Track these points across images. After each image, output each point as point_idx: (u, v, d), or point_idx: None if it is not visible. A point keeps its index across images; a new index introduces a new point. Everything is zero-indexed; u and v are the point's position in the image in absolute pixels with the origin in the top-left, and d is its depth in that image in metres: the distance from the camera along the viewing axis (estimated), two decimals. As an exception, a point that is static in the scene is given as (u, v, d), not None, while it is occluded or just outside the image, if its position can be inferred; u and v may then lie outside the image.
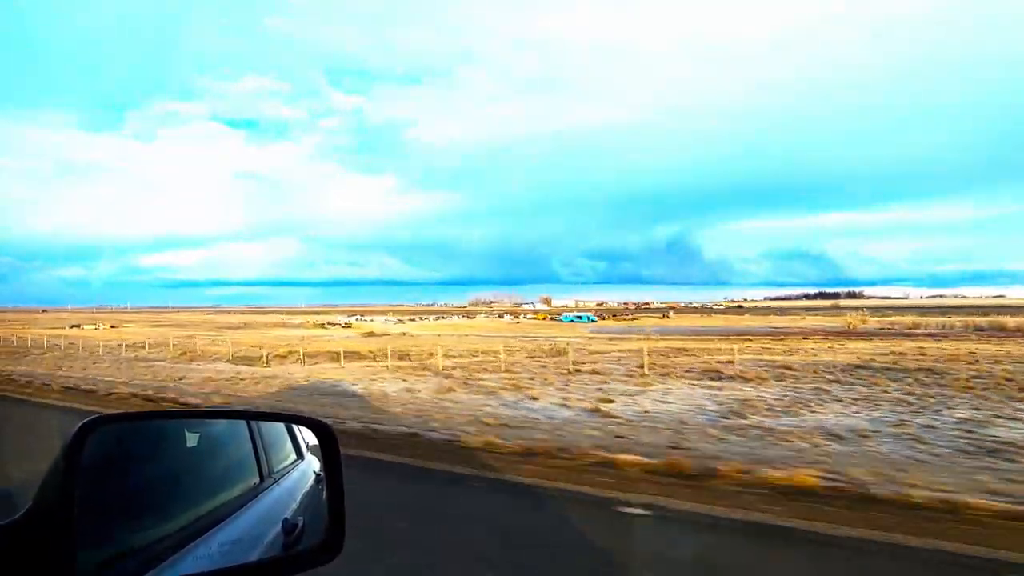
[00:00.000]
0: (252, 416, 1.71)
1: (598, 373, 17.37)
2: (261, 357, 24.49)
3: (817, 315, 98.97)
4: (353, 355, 24.19)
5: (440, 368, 19.03)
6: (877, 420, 9.71)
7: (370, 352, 25.92)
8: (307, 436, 1.75)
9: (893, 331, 49.59)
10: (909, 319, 67.66)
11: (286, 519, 1.48)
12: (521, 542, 4.36)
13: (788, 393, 12.98)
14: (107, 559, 1.00)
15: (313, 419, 1.59)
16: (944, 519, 4.74)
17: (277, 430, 1.78)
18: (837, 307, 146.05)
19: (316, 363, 22.47)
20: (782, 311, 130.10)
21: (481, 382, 15.17)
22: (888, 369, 17.80)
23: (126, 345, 32.79)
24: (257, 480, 1.54)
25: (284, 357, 24.95)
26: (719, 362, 19.62)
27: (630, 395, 12.73)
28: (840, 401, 11.84)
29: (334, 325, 75.01)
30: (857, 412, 10.55)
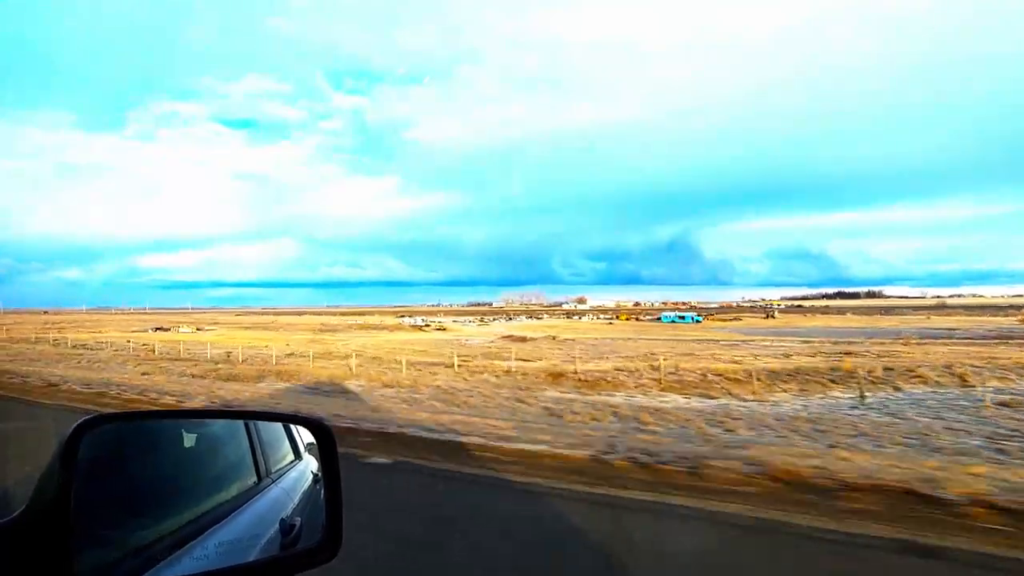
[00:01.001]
0: (249, 416, 1.70)
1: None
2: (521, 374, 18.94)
3: (916, 315, 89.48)
4: (603, 376, 18.32)
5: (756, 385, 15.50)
6: None
7: (625, 366, 20.54)
8: (305, 436, 1.75)
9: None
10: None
11: (284, 519, 1.48)
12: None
13: None
14: (104, 559, 1.00)
15: (311, 419, 1.59)
16: None
17: (275, 430, 1.77)
18: (876, 306, 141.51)
19: (592, 386, 16.54)
20: (874, 311, 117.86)
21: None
22: None
23: (277, 355, 25.32)
24: (255, 480, 1.54)
25: (557, 377, 18.21)
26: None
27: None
28: None
29: (428, 327, 67.83)
30: None
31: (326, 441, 1.50)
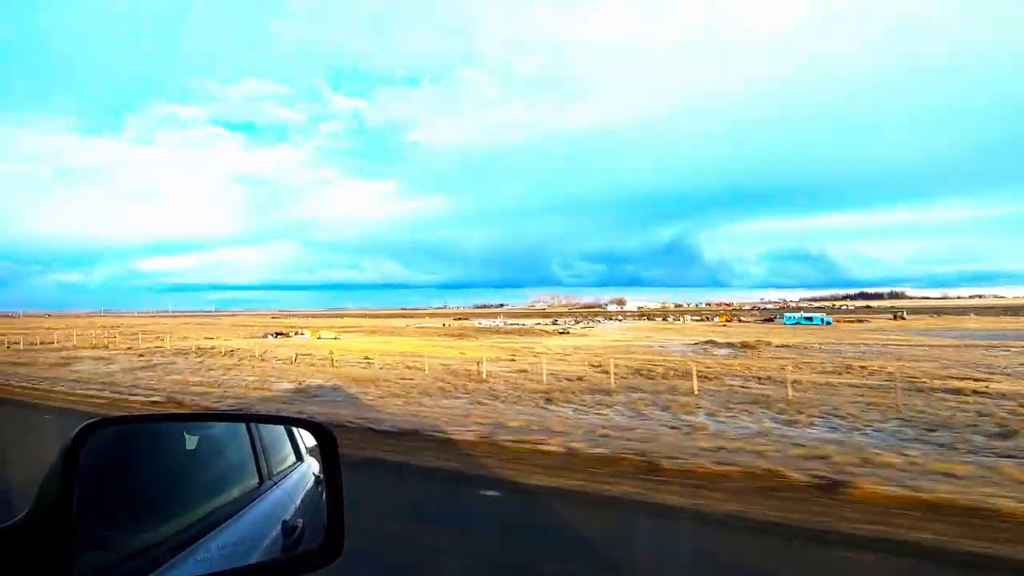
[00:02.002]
0: (251, 418, 1.71)
1: None
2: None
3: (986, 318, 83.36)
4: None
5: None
6: None
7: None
8: (306, 438, 1.76)
9: None
10: None
11: (285, 521, 1.48)
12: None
13: None
14: (106, 562, 1.00)
15: (312, 421, 1.59)
16: None
17: (276, 432, 1.78)
18: (986, 306, 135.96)
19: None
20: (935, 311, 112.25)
21: None
22: None
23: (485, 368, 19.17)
24: (256, 482, 1.54)
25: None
26: None
27: None
28: None
29: (565, 332, 59.75)
30: None
31: (327, 443, 1.50)
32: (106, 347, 31.14)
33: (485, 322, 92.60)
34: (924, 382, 16.78)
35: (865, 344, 37.94)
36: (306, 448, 1.78)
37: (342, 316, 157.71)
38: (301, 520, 1.51)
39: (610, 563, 4.22)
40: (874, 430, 9.65)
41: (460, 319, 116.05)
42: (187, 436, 1.40)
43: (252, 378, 17.21)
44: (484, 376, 17.75)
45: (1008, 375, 19.47)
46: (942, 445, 8.25)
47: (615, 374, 17.35)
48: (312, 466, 1.73)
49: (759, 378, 17.94)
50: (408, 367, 20.70)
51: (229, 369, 19.91)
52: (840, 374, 19.57)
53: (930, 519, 5.10)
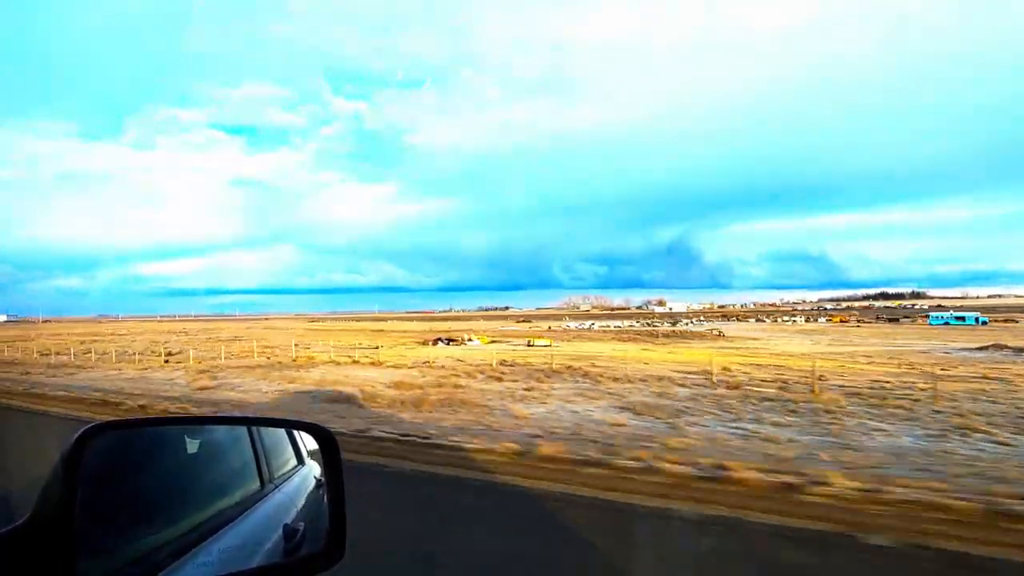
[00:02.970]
0: (252, 422, 1.71)
1: None
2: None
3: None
4: None
5: None
6: None
7: None
8: (308, 442, 1.75)
9: None
10: None
11: (287, 525, 1.48)
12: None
13: None
14: (107, 567, 1.00)
15: (314, 424, 1.59)
16: None
17: (278, 436, 1.78)
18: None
19: None
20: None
21: None
22: None
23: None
24: (258, 486, 1.54)
25: None
26: None
27: None
28: None
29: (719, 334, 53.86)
30: None
31: (329, 446, 1.50)
32: (353, 361, 24.21)
33: (574, 324, 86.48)
34: None
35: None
36: (307, 451, 1.78)
37: (384, 320, 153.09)
38: (303, 524, 1.51)
39: None
40: None
41: (523, 321, 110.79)
42: (188, 440, 1.40)
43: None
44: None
45: None
46: None
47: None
48: (313, 469, 1.73)
49: None
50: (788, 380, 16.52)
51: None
52: None
53: None
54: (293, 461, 1.77)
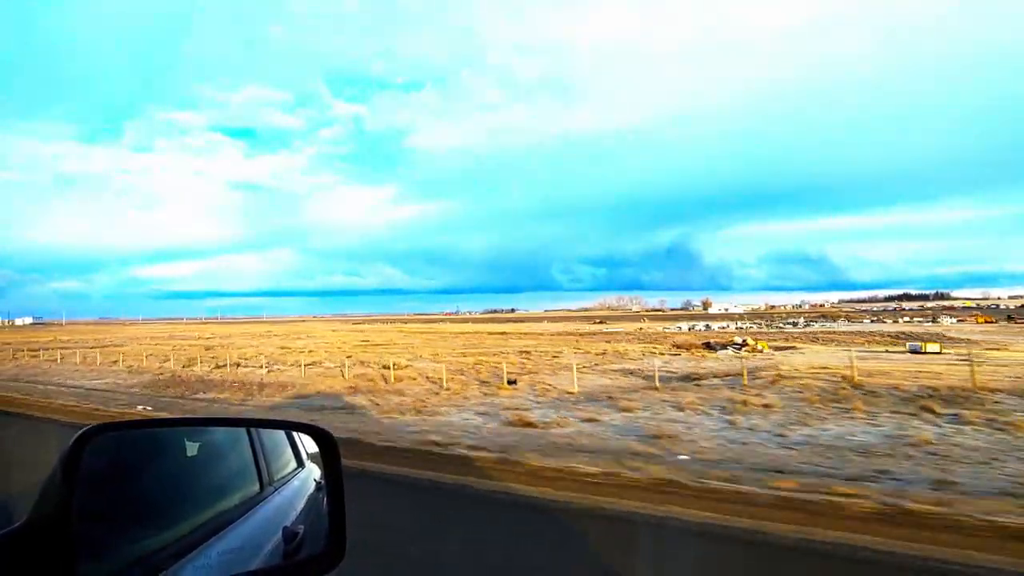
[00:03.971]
0: (252, 424, 1.70)
1: None
2: None
3: None
4: None
5: None
6: None
7: None
8: (307, 444, 1.75)
9: None
10: None
11: (286, 527, 1.47)
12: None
13: None
14: (107, 569, 1.00)
15: (314, 426, 1.59)
16: None
17: (277, 438, 1.77)
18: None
19: None
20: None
21: None
22: None
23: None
24: (257, 488, 1.54)
25: None
26: None
27: None
28: None
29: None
30: None
31: (329, 448, 1.50)
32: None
33: (676, 327, 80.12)
34: None
35: None
36: (307, 453, 1.78)
37: (440, 322, 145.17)
38: (302, 526, 1.51)
39: None
40: None
41: (598, 323, 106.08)
42: (187, 442, 1.40)
43: None
44: None
45: None
46: None
47: None
48: (313, 472, 1.73)
49: None
50: None
51: None
52: None
53: None
54: (293, 463, 1.76)
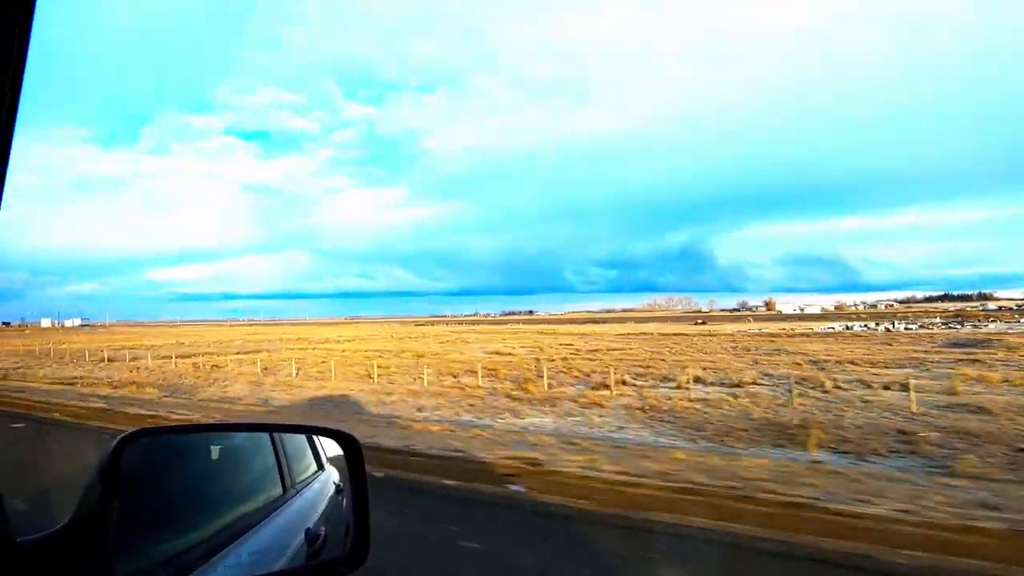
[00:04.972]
0: (275, 428, 1.75)
1: None
2: None
3: None
4: None
5: None
6: None
7: None
8: (327, 447, 1.80)
9: None
10: None
11: (309, 529, 1.51)
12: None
13: None
14: (141, 568, 1.04)
15: (337, 430, 1.63)
16: None
17: (298, 442, 1.82)
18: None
19: None
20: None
21: None
22: None
23: None
24: (280, 491, 1.58)
25: None
26: None
27: None
28: None
29: None
30: None
31: (353, 451, 1.52)
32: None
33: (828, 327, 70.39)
34: None
35: None
36: (327, 457, 1.82)
37: (509, 323, 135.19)
38: (324, 528, 1.54)
39: None
40: None
41: (700, 323, 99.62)
42: (212, 447, 1.44)
43: None
44: None
45: None
46: None
47: None
48: (333, 475, 1.77)
49: None
50: None
51: None
52: None
53: None
54: (314, 467, 1.80)
